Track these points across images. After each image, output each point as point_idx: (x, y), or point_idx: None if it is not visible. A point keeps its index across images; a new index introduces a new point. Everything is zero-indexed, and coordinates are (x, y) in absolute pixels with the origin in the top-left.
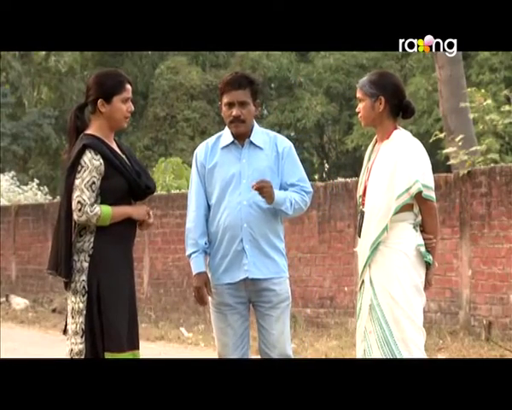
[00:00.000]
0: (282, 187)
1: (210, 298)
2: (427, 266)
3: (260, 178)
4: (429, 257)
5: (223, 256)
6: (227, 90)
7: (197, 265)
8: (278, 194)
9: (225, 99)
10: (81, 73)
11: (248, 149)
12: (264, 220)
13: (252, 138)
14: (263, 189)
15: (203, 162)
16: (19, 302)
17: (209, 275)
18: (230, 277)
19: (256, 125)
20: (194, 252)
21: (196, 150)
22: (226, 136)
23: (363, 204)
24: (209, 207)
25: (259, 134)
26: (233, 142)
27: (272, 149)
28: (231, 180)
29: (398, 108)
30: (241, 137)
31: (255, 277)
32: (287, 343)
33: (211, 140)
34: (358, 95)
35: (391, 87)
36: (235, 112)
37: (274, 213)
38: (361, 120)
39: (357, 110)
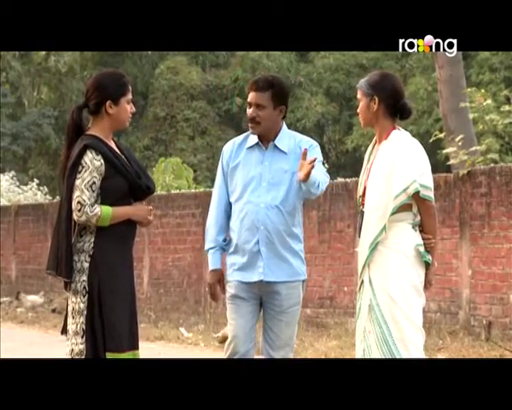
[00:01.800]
0: None
1: (226, 292)
2: (427, 266)
3: (279, 181)
4: (428, 257)
5: (239, 255)
6: (249, 91)
7: (213, 261)
8: (313, 175)
9: (248, 100)
10: (81, 73)
11: (272, 153)
12: (281, 223)
13: (276, 142)
14: (305, 166)
15: (228, 160)
16: (30, 300)
17: (225, 271)
18: (244, 276)
19: (284, 128)
20: (211, 248)
21: (224, 148)
22: (253, 136)
23: (363, 204)
24: (230, 204)
25: (285, 138)
26: (257, 143)
27: (295, 152)
28: (251, 182)
29: (394, 109)
30: (266, 140)
31: (269, 280)
32: (291, 348)
33: (238, 138)
34: (358, 95)
35: (386, 88)
36: (249, 113)
37: (292, 214)
38: (360, 121)
39: (358, 111)
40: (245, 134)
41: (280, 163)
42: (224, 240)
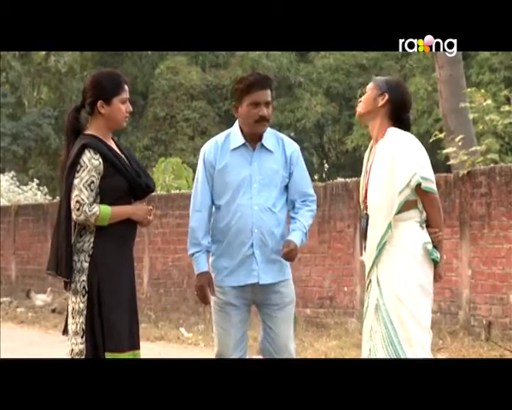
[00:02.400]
0: (289, 189)
1: (213, 297)
2: (435, 263)
3: (270, 181)
4: (436, 254)
5: (230, 259)
6: (253, 91)
7: (200, 264)
8: (296, 238)
9: (250, 99)
10: (81, 73)
11: (260, 153)
12: (274, 225)
13: (263, 142)
14: (290, 258)
15: (212, 162)
16: (41, 298)
17: (213, 275)
18: (237, 280)
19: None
20: (196, 252)
21: (204, 148)
22: (236, 136)
23: (366, 207)
24: (214, 206)
25: (270, 137)
26: (244, 144)
27: (281, 152)
28: (242, 184)
29: (397, 116)
30: (253, 139)
31: (265, 282)
32: (292, 344)
33: (220, 139)
34: (368, 86)
35: (400, 93)
36: (262, 112)
37: (282, 214)
38: (358, 109)
39: (361, 99)
40: (225, 134)
41: (269, 162)
42: (208, 243)
